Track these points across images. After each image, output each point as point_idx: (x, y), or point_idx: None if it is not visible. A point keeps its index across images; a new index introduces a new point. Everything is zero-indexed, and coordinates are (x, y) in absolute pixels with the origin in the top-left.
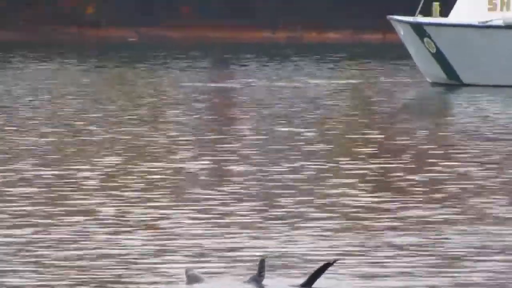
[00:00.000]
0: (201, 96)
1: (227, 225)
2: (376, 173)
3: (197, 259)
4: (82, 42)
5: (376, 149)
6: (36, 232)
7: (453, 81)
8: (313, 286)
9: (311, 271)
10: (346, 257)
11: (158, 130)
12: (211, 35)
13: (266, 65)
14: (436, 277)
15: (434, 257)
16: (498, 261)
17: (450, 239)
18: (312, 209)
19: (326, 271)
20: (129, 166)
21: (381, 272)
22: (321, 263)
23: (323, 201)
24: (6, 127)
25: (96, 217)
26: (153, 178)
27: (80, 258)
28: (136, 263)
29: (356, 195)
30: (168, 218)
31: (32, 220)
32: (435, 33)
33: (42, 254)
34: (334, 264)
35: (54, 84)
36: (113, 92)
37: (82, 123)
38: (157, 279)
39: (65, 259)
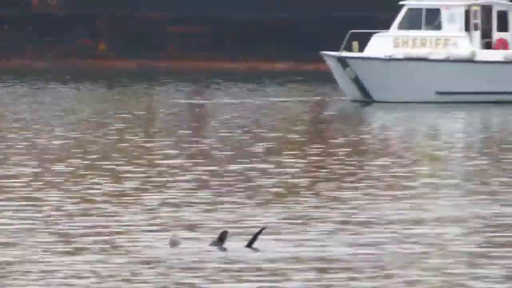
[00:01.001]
0: (173, 109)
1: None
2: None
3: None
4: (95, 71)
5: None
6: None
7: (366, 99)
8: (253, 246)
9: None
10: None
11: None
12: (190, 65)
13: (230, 88)
14: None
15: None
16: None
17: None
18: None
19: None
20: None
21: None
22: (256, 229)
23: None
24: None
25: None
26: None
27: None
28: None
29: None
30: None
31: None
32: (354, 64)
33: None
34: (264, 230)
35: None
36: (115, 104)
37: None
38: None
39: None
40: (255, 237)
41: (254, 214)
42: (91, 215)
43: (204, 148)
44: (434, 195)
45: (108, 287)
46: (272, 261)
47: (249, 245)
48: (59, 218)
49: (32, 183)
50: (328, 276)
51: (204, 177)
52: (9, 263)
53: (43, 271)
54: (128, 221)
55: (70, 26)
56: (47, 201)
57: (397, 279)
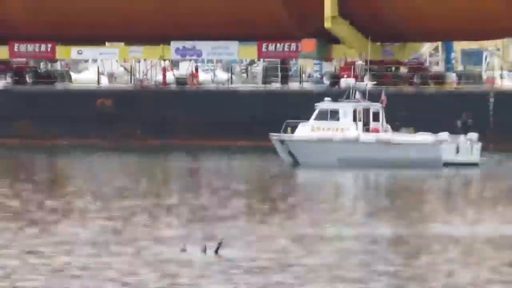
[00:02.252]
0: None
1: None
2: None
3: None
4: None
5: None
6: None
7: (295, 163)
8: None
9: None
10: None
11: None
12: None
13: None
14: None
15: None
16: None
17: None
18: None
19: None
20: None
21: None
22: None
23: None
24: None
25: None
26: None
27: None
28: None
29: None
30: None
31: None
32: (288, 141)
33: None
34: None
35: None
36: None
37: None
38: None
39: None
40: (218, 247)
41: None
42: None
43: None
44: None
45: None
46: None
47: (216, 252)
48: None
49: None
50: None
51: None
52: None
53: None
54: None
55: (120, 119)
56: None
57: None
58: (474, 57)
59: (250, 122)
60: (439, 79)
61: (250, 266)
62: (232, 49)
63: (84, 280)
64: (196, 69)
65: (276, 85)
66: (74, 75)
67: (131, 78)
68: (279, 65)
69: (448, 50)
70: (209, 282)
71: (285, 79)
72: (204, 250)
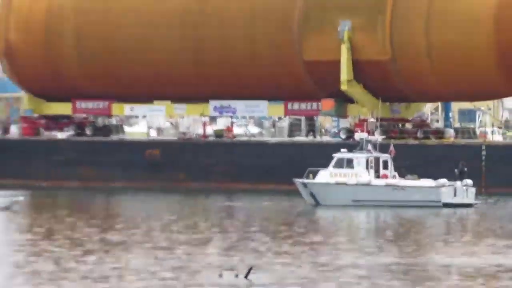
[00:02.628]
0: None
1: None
2: None
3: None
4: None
5: None
6: None
7: (316, 204)
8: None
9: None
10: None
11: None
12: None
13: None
14: None
15: None
16: None
17: None
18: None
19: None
20: None
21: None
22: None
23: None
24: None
25: None
26: None
27: None
28: None
29: None
30: None
31: None
32: (310, 185)
33: None
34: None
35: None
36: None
37: None
38: None
39: None
40: (248, 271)
41: None
42: None
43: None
44: None
45: None
46: None
47: (246, 276)
48: None
49: None
50: None
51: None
52: None
53: None
54: None
55: (166, 165)
56: None
57: None
58: (469, 115)
59: (277, 169)
60: (439, 134)
61: None
62: (262, 107)
63: None
64: (232, 124)
65: (299, 138)
66: (126, 128)
67: (176, 131)
68: (302, 121)
69: (446, 109)
70: None
71: (313, 132)
72: (237, 276)
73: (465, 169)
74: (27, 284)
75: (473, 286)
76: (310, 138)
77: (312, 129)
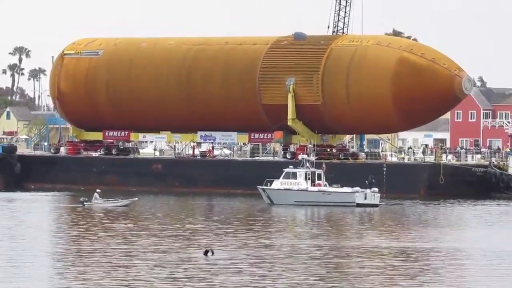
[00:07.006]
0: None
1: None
2: None
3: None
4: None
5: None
6: None
7: (271, 203)
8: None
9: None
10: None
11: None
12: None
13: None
14: None
15: None
16: None
17: None
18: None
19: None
20: None
21: None
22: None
23: None
24: None
25: None
26: None
27: None
28: None
29: None
30: None
31: None
32: (268, 190)
33: None
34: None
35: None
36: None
37: None
38: None
39: None
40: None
41: None
42: None
43: None
44: None
45: None
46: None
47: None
48: None
49: None
50: None
51: None
52: None
53: None
54: None
55: (166, 176)
56: None
57: None
58: (374, 143)
59: (243, 178)
60: (355, 156)
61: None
62: (233, 136)
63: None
64: (212, 148)
65: (258, 157)
66: (140, 150)
67: (173, 152)
68: (260, 146)
69: (360, 139)
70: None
71: (270, 154)
72: (205, 253)
73: (373, 180)
74: None
75: (376, 261)
76: (267, 157)
77: (268, 152)
